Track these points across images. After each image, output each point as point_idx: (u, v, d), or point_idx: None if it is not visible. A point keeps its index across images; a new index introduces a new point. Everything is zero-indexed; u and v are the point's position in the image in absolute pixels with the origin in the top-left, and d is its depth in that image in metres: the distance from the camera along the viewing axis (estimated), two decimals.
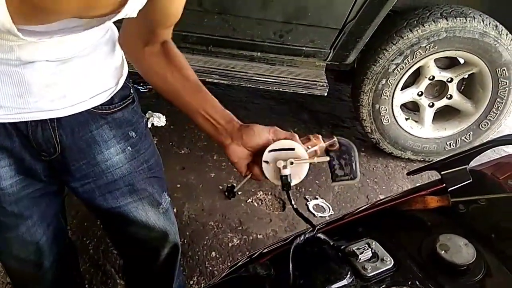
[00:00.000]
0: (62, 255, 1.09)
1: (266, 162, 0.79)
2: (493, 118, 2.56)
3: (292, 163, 0.77)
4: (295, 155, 0.78)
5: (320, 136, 0.81)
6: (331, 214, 2.23)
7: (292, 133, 0.80)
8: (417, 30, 2.25)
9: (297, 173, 0.79)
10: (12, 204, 0.89)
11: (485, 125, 2.59)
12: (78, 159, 0.90)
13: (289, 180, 0.78)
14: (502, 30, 2.29)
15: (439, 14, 2.25)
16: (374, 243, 0.79)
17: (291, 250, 0.74)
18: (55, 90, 0.80)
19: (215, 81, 2.37)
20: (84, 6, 0.60)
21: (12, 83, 0.76)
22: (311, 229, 0.80)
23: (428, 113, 2.60)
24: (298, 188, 2.34)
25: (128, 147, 0.94)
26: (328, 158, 0.80)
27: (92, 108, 0.87)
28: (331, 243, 0.78)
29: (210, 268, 1.85)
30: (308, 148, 0.79)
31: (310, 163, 0.79)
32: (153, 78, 0.90)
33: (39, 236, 0.98)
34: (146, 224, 1.03)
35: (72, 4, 0.58)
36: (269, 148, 0.79)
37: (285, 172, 0.78)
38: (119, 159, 0.93)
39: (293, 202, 0.82)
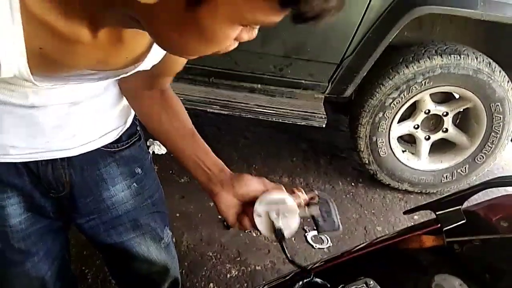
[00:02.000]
0: (66, 287, 1.10)
1: (259, 215, 0.80)
2: (488, 152, 2.61)
3: (285, 216, 0.78)
4: (286, 208, 0.79)
5: (301, 190, 0.83)
6: (329, 246, 2.23)
7: (280, 185, 0.81)
8: (412, 66, 2.32)
9: (289, 225, 0.80)
10: (19, 241, 0.91)
11: (480, 158, 2.63)
12: (85, 196, 0.92)
13: (282, 232, 0.80)
14: (495, 67, 2.36)
15: (434, 51, 2.32)
16: (372, 282, 0.81)
17: None
18: (66, 130, 0.83)
19: (216, 111, 2.42)
20: (100, 62, 0.63)
21: (25, 125, 0.79)
22: (309, 268, 0.83)
23: (425, 146, 2.65)
24: None
25: (134, 183, 0.97)
26: (318, 211, 0.81)
27: (101, 146, 0.90)
28: (328, 286, 0.80)
29: None
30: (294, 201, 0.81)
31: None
32: (148, 120, 0.91)
33: (44, 271, 0.99)
34: (148, 258, 1.05)
35: (89, 59, 0.62)
36: (260, 199, 0.79)
37: (278, 224, 0.79)
38: (124, 195, 0.96)
39: (288, 255, 0.82)
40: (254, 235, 2.23)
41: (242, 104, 2.44)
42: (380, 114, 2.45)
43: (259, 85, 2.47)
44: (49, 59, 0.58)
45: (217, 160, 0.86)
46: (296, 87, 2.48)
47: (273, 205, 0.79)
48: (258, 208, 0.80)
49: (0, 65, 0.54)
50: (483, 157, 2.62)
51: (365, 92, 2.46)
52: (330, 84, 2.45)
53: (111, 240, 0.99)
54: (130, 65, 0.67)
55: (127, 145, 0.95)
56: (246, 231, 2.23)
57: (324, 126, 2.47)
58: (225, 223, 2.26)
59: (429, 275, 0.83)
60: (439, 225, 0.93)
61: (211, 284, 1.92)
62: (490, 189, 0.99)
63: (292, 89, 2.49)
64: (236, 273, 1.99)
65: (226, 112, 2.43)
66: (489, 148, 2.59)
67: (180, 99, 2.26)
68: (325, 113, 2.47)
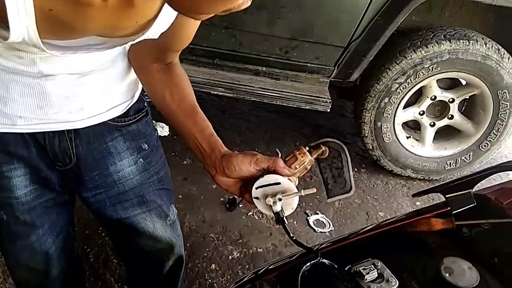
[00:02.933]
0: (69, 265, 1.10)
1: (256, 198, 0.80)
2: (493, 140, 2.59)
3: (280, 199, 0.78)
4: (283, 189, 0.78)
5: (306, 150, 0.79)
6: (331, 230, 2.24)
7: (275, 158, 0.79)
8: (420, 51, 2.28)
9: (289, 205, 0.80)
10: (24, 213, 0.91)
11: (485, 146, 2.62)
12: (92, 169, 0.91)
13: (281, 215, 0.79)
14: (504, 53, 2.33)
15: (442, 36, 2.29)
16: (379, 263, 0.80)
17: (299, 279, 0.74)
18: (74, 102, 0.82)
19: (220, 93, 2.39)
20: (109, 26, 0.61)
21: (33, 95, 0.78)
22: (315, 249, 0.82)
23: (429, 132, 2.63)
24: (298, 203, 2.35)
25: (140, 159, 0.96)
26: (314, 190, 0.78)
27: (108, 120, 0.89)
28: (336, 267, 0.79)
29: (210, 280, 1.86)
30: (296, 168, 0.79)
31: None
32: (153, 95, 0.91)
33: (48, 245, 0.99)
34: (153, 235, 1.04)
35: (98, 23, 0.60)
36: (256, 185, 0.79)
37: (276, 208, 0.78)
38: (130, 170, 0.95)
39: (291, 235, 0.82)
40: (256, 218, 2.23)
41: (247, 87, 2.41)
42: (386, 99, 2.43)
43: (264, 68, 2.44)
44: (58, 22, 0.57)
45: (211, 138, 0.84)
46: (301, 71, 2.45)
47: (269, 188, 0.78)
48: (254, 193, 0.80)
49: (9, 28, 0.52)
50: (487, 145, 2.61)
51: (371, 77, 2.43)
52: (336, 68, 2.41)
53: (117, 215, 0.98)
54: (138, 32, 0.65)
55: (134, 120, 0.94)
56: (248, 214, 2.23)
57: (328, 110, 2.45)
58: (227, 205, 2.26)
59: (438, 258, 0.82)
60: (448, 208, 0.92)
61: (213, 265, 1.92)
62: (501, 173, 0.98)
63: (297, 73, 2.46)
64: (238, 255, 1.99)
65: (230, 95, 2.41)
66: (494, 136, 2.57)
67: None
68: (329, 98, 2.44)
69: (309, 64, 2.40)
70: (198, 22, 0.82)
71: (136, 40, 0.68)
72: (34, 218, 0.93)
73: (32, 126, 0.81)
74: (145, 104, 0.98)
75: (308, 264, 0.79)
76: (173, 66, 0.90)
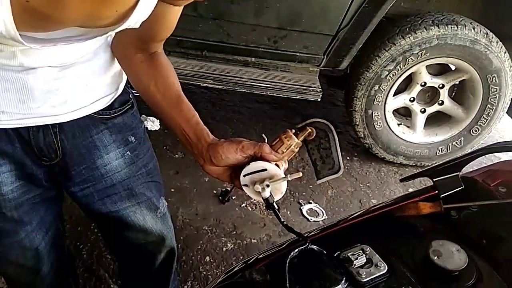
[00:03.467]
0: (60, 261, 1.09)
1: (246, 185, 0.80)
2: (484, 124, 2.60)
3: (268, 185, 0.77)
4: (269, 175, 0.78)
5: (292, 133, 0.78)
6: (324, 219, 2.24)
7: (261, 144, 0.78)
8: (409, 37, 2.28)
9: (278, 190, 0.80)
10: (12, 210, 0.90)
11: (475, 130, 2.63)
12: (78, 163, 0.90)
13: (271, 201, 0.79)
14: (492, 37, 2.33)
15: (430, 22, 2.28)
16: (368, 249, 0.81)
17: (286, 264, 0.74)
18: (56, 95, 0.81)
19: (210, 85, 2.38)
20: (88, 16, 0.60)
21: (14, 89, 0.77)
22: (305, 236, 0.82)
23: (420, 119, 2.63)
24: (291, 192, 2.36)
25: (128, 152, 0.95)
26: (301, 174, 0.77)
27: (93, 113, 0.88)
28: (325, 253, 0.79)
29: (204, 273, 1.86)
30: (283, 152, 0.78)
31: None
32: (138, 86, 0.90)
33: (38, 241, 0.98)
34: (144, 228, 1.04)
35: (76, 13, 0.58)
36: (243, 173, 0.78)
37: (265, 194, 0.78)
38: (118, 163, 0.94)
39: (282, 219, 0.82)
40: (250, 209, 2.23)
41: (236, 78, 2.39)
42: (376, 87, 2.43)
43: (253, 59, 2.42)
44: (36, 14, 0.55)
45: (197, 127, 0.83)
46: (291, 60, 2.44)
47: (256, 174, 0.78)
48: (243, 180, 0.79)
49: None
50: (478, 129, 2.62)
51: (361, 65, 2.43)
52: (325, 56, 2.40)
53: (106, 209, 0.98)
54: (119, 21, 0.64)
55: (119, 112, 0.93)
56: (241, 205, 2.22)
57: (319, 99, 2.44)
58: (220, 197, 2.26)
59: (426, 241, 0.83)
60: (436, 191, 0.92)
61: (207, 258, 1.92)
62: (489, 156, 0.98)
63: (287, 62, 2.45)
64: (232, 246, 2.00)
65: (219, 86, 2.40)
66: (485, 120, 2.58)
67: None
68: (320, 87, 2.44)
69: (298, 54, 2.39)
70: (180, 10, 0.81)
71: (117, 30, 0.67)
72: (22, 214, 0.92)
73: (16, 121, 0.80)
74: (131, 97, 0.97)
75: (296, 250, 0.79)
76: (157, 55, 0.89)
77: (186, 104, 0.86)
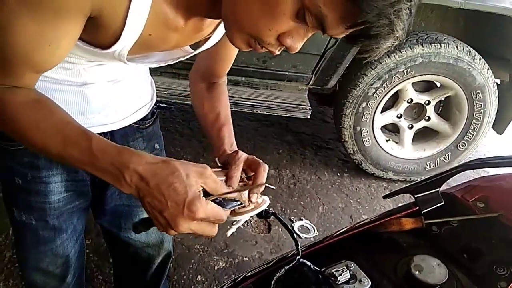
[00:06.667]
0: (81, 268, 1.14)
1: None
2: (470, 139, 2.65)
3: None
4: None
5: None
6: (315, 235, 2.26)
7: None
8: (394, 56, 2.34)
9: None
10: (54, 218, 0.95)
11: (462, 145, 2.68)
12: None
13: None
14: (475, 55, 2.40)
15: (415, 40, 2.35)
16: (352, 264, 0.83)
17: (273, 282, 0.77)
18: (110, 106, 0.90)
19: None
20: (175, 46, 0.73)
21: (75, 102, 0.84)
22: (293, 256, 0.84)
23: (408, 135, 2.68)
24: (283, 209, 2.38)
25: None
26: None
27: (133, 122, 0.97)
28: (312, 267, 0.82)
29: None
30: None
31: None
32: (194, 104, 0.99)
33: (69, 249, 1.02)
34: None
35: (171, 44, 0.72)
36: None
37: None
38: None
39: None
40: (242, 227, 2.23)
41: None
42: (364, 104, 2.48)
43: (243, 78, 2.47)
44: (146, 44, 0.66)
45: (224, 152, 0.87)
46: (280, 79, 2.49)
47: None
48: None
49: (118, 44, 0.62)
50: (465, 144, 2.67)
51: (349, 83, 2.48)
52: (313, 75, 2.46)
53: (120, 202, 1.04)
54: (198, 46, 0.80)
55: (150, 123, 1.03)
56: (233, 224, 2.23)
57: (308, 117, 2.49)
58: None
59: (408, 256, 0.85)
60: (417, 208, 0.95)
61: (199, 277, 1.92)
62: (469, 171, 1.02)
63: (276, 81, 2.51)
64: (224, 264, 2.00)
65: None
66: (471, 135, 2.63)
67: (164, 93, 2.27)
68: (309, 104, 2.49)
69: (287, 73, 2.44)
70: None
71: (196, 52, 0.80)
72: (62, 222, 0.97)
73: None
74: (156, 108, 1.06)
75: (284, 268, 0.81)
76: (216, 83, 0.98)
77: (224, 132, 0.92)
